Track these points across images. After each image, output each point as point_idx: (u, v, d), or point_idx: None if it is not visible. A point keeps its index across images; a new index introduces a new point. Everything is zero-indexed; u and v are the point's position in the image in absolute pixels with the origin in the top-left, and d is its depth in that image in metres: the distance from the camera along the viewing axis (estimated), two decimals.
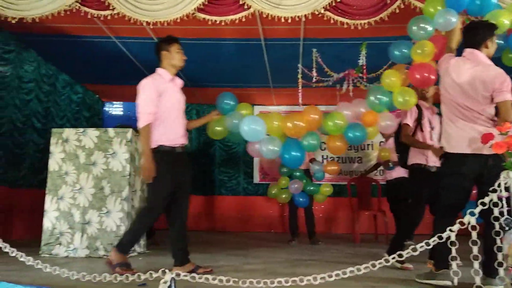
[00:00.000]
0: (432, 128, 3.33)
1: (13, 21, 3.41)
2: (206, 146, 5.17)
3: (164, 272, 2.09)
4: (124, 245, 2.74)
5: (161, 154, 2.74)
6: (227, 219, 7.22)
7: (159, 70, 2.88)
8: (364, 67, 4.82)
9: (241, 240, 5.52)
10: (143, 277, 2.17)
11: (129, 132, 3.60)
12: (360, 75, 4.92)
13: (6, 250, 2.52)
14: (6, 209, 4.70)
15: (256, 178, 7.47)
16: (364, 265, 2.15)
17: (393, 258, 2.15)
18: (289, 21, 3.48)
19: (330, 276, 2.14)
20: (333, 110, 4.09)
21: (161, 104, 2.78)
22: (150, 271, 2.18)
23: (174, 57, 2.87)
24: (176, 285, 2.12)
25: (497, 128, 2.28)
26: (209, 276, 2.11)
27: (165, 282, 2.01)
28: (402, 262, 2.97)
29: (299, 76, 5.09)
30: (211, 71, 5.78)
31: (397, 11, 3.46)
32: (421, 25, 3.02)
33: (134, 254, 3.62)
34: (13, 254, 2.49)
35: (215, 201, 7.33)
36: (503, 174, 2.13)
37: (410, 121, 3.32)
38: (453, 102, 2.54)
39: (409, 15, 3.49)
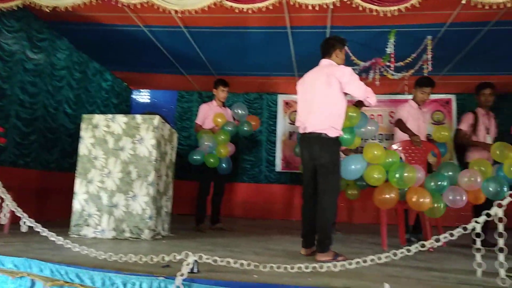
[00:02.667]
0: (488, 131, 4.12)
1: (48, 10, 3.52)
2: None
3: (187, 255, 2.16)
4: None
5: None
6: (248, 206, 7.30)
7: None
8: (392, 56, 4.71)
9: (262, 226, 5.58)
10: (167, 258, 2.24)
11: (156, 119, 3.68)
12: (388, 63, 4.81)
13: (38, 229, 2.66)
14: (39, 191, 4.93)
15: (279, 167, 7.49)
16: (385, 254, 2.14)
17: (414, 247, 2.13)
18: (317, 8, 3.42)
19: (350, 264, 2.15)
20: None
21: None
22: (174, 254, 2.25)
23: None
24: (199, 268, 2.18)
25: None
26: (231, 260, 2.16)
27: (187, 264, 2.07)
28: None
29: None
30: (237, 59, 5.80)
31: None
32: None
33: (158, 237, 3.73)
34: (44, 234, 2.62)
35: (237, 188, 7.41)
36: None
37: (463, 126, 4.17)
38: None
39: (441, 1, 3.39)
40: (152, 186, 3.56)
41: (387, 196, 3.38)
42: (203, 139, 4.61)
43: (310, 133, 3.00)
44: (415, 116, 4.01)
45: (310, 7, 3.40)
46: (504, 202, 2.10)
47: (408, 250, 2.15)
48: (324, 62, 3.16)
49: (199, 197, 4.76)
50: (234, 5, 3.51)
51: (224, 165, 4.77)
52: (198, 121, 4.89)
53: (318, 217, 2.91)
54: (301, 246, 3.08)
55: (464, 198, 3.25)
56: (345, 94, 3.03)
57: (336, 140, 3.02)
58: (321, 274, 2.17)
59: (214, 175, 4.82)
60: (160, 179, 3.79)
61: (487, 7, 3.31)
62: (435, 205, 3.34)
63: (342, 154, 4.14)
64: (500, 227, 2.12)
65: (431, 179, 3.34)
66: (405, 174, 3.23)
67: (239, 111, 5.06)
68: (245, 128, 5.03)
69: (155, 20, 4.59)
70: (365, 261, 2.14)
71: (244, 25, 4.61)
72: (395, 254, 2.12)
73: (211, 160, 4.64)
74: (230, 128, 4.85)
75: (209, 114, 4.88)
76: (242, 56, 5.62)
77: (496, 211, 2.12)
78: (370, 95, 3.05)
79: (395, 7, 3.30)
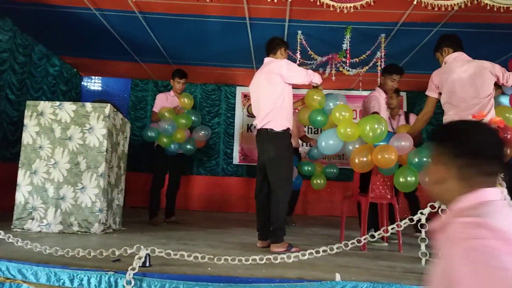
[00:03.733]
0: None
1: None
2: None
3: (139, 248, 2.09)
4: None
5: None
6: (204, 199, 7.23)
7: None
8: (348, 52, 4.82)
9: (219, 219, 5.56)
10: (117, 252, 2.16)
11: (107, 108, 3.52)
12: (343, 59, 4.92)
13: None
14: None
15: (236, 159, 7.47)
16: (336, 245, 2.20)
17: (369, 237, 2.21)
18: (275, 0, 3.42)
19: (304, 255, 2.19)
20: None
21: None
22: (125, 247, 2.17)
23: None
24: (151, 261, 2.12)
25: (472, 116, 2.34)
26: (185, 253, 2.12)
27: (139, 258, 2.01)
28: None
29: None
30: (195, 49, 5.67)
31: None
32: None
33: (109, 231, 3.60)
34: None
35: (193, 181, 7.32)
36: None
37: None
38: None
39: (394, 1, 3.51)
40: (102, 178, 3.42)
41: (364, 159, 3.18)
42: (164, 119, 4.51)
43: (259, 129, 3.14)
44: (385, 107, 3.96)
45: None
46: None
47: (359, 241, 2.23)
48: (267, 60, 3.27)
49: (153, 190, 4.64)
50: None
51: (175, 146, 4.64)
52: (155, 109, 4.76)
53: (272, 210, 2.98)
54: (257, 238, 3.13)
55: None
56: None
57: (283, 134, 3.07)
58: (275, 265, 2.20)
59: (169, 167, 4.72)
60: (111, 170, 3.64)
61: (436, 9, 3.48)
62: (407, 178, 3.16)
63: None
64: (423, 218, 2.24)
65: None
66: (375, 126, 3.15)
67: (202, 133, 4.95)
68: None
69: (107, 3, 4.37)
70: (318, 252, 2.19)
71: (202, 13, 4.51)
72: (346, 245, 2.18)
73: (165, 140, 4.51)
74: (194, 118, 4.77)
75: (166, 104, 4.78)
76: (200, 45, 5.51)
77: (439, 203, 2.25)
78: (312, 76, 3.21)
79: (351, 4, 3.38)
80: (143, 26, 4.88)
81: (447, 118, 2.88)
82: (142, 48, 5.68)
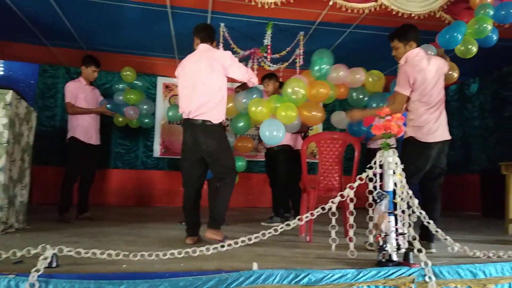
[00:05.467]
0: None
1: None
2: (101, 116, 4.81)
3: (44, 248, 1.94)
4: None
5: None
6: (122, 193, 6.91)
7: None
8: (269, 47, 4.94)
9: (137, 214, 5.36)
10: (19, 253, 1.98)
11: (9, 94, 3.17)
12: (265, 54, 5.03)
13: None
14: None
15: (157, 152, 7.25)
16: (254, 235, 2.26)
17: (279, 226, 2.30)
18: None
19: (223, 246, 2.21)
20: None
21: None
22: (28, 248, 1.99)
23: None
24: (59, 261, 1.98)
25: (377, 112, 2.55)
26: (97, 251, 2.02)
27: (45, 259, 1.86)
28: None
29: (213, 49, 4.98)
30: (112, 34, 5.33)
31: None
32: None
33: (11, 230, 3.26)
34: None
35: (110, 175, 6.96)
36: (378, 153, 2.40)
37: None
38: None
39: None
40: (2, 172, 3.08)
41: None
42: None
43: (194, 119, 2.95)
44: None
45: None
46: (355, 185, 2.41)
47: (275, 230, 2.31)
48: (203, 46, 3.13)
49: (64, 184, 4.31)
50: None
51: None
52: (70, 100, 4.42)
53: (220, 196, 2.95)
54: (180, 233, 3.07)
55: None
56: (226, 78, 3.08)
57: (221, 126, 3.04)
58: (194, 258, 2.19)
59: (84, 159, 4.42)
60: (13, 164, 3.30)
61: (349, 11, 3.72)
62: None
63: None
64: (351, 206, 2.43)
65: None
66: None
67: (132, 112, 5.46)
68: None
69: None
70: (236, 243, 2.23)
71: None
72: (263, 235, 2.26)
73: (120, 119, 5.58)
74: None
75: (78, 93, 4.46)
76: (117, 31, 5.20)
77: (348, 192, 2.43)
78: (252, 75, 3.18)
79: (272, 0, 3.46)
80: (51, 5, 4.46)
81: (418, 115, 2.90)
82: (51, 30, 5.19)
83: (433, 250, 2.72)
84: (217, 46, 4.87)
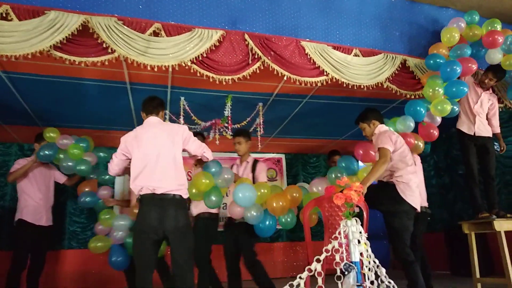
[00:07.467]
0: None
1: None
2: (56, 193, 4.59)
3: None
4: None
5: None
6: (77, 277, 6.34)
7: None
8: (229, 118, 5.04)
9: None
10: None
11: None
12: (226, 125, 5.12)
13: None
14: None
15: None
16: None
17: None
18: (155, 69, 3.45)
19: None
20: None
21: None
22: None
23: None
24: None
25: (337, 181, 2.58)
26: None
27: None
28: None
29: (166, 122, 5.01)
30: (69, 110, 5.26)
31: (258, 71, 3.76)
32: None
33: None
34: None
35: (64, 256, 6.43)
36: (342, 223, 2.39)
37: None
38: None
39: (268, 75, 3.85)
40: None
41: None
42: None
43: (163, 194, 2.79)
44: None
45: (149, 67, 3.42)
46: (321, 257, 2.34)
47: None
48: (153, 119, 3.09)
49: (11, 271, 3.94)
50: (65, 56, 3.25)
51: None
52: (12, 170, 4.37)
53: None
54: None
55: None
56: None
57: (185, 201, 2.93)
58: None
59: (33, 243, 4.10)
60: None
61: (303, 84, 3.92)
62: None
63: None
64: (319, 280, 2.34)
65: None
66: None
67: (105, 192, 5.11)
68: None
69: None
70: None
71: (78, 76, 4.27)
72: None
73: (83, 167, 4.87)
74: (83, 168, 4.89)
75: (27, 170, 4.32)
76: (75, 107, 5.13)
77: (315, 266, 2.35)
78: (205, 149, 3.19)
79: (229, 77, 3.60)
80: (6, 85, 4.39)
81: (402, 174, 3.27)
82: (5, 109, 5.05)
83: None
84: (178, 119, 4.93)
